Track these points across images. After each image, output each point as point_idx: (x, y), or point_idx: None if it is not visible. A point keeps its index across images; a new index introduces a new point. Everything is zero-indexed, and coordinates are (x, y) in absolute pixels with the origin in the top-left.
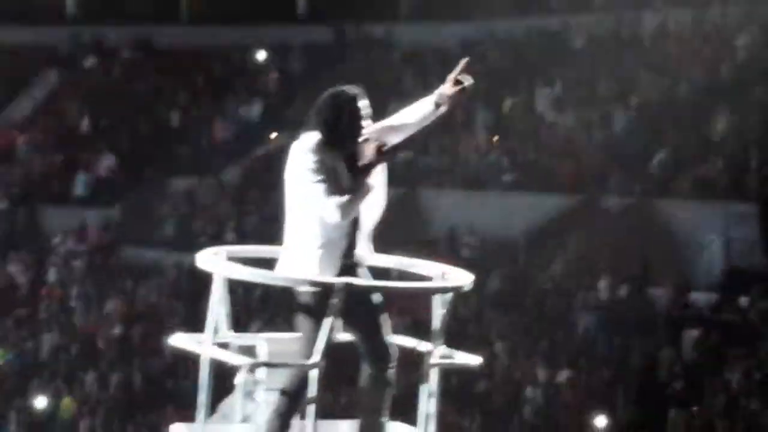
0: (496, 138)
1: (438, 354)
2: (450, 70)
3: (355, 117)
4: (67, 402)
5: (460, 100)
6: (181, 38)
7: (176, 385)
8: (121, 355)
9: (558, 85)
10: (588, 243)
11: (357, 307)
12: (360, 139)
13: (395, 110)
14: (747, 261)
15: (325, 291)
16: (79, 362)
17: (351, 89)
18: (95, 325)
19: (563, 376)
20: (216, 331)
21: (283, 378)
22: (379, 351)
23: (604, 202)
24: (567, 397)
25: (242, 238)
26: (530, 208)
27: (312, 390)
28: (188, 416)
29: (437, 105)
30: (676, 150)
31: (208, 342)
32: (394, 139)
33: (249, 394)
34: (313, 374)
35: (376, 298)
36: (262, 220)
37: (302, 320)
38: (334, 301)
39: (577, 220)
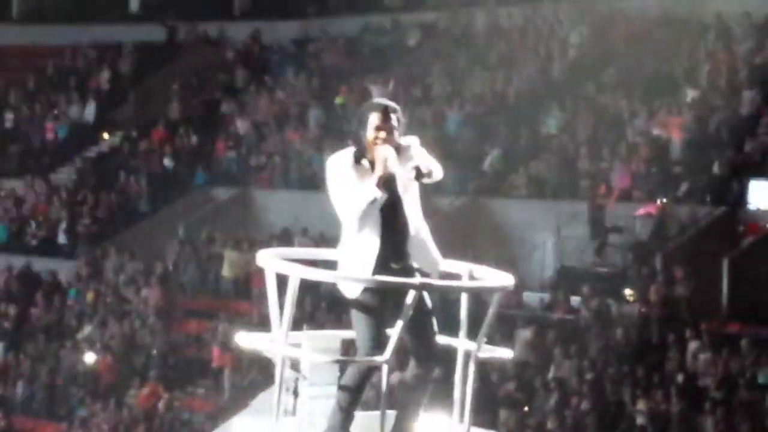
0: None
1: (480, 349)
2: (285, 68)
3: (372, 127)
4: None
5: None
6: (12, 37)
7: (5, 389)
8: None
9: (392, 83)
10: None
11: (414, 309)
12: (378, 148)
13: (229, 108)
14: (578, 260)
15: (384, 291)
16: None
17: (373, 102)
18: None
19: (392, 379)
20: (287, 330)
21: (324, 373)
22: (427, 352)
23: (437, 202)
24: None
25: (75, 240)
26: None
27: (383, 384)
28: (17, 421)
29: None
30: (508, 148)
31: (281, 341)
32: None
33: (290, 389)
34: (384, 370)
35: (429, 301)
36: (94, 221)
37: (360, 318)
38: (409, 300)
39: None
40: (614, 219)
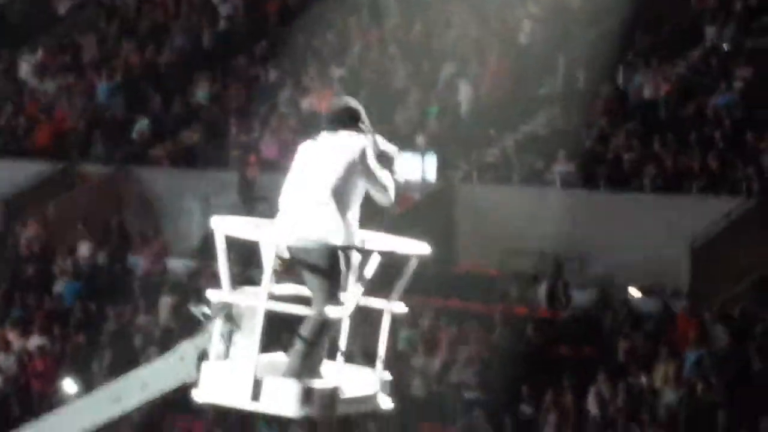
0: None
1: (395, 306)
2: None
3: None
4: None
5: None
6: None
7: None
8: None
9: (40, 52)
10: (68, 210)
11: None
12: None
13: None
14: None
15: (345, 255)
16: None
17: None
18: None
19: (35, 342)
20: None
21: (250, 324)
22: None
23: (84, 169)
24: (38, 365)
25: None
26: (10, 174)
27: (340, 335)
28: None
29: None
30: (157, 118)
31: (263, 295)
32: None
33: (224, 336)
34: (343, 323)
35: None
36: None
37: (318, 277)
38: (373, 262)
39: (56, 187)
40: (263, 189)
